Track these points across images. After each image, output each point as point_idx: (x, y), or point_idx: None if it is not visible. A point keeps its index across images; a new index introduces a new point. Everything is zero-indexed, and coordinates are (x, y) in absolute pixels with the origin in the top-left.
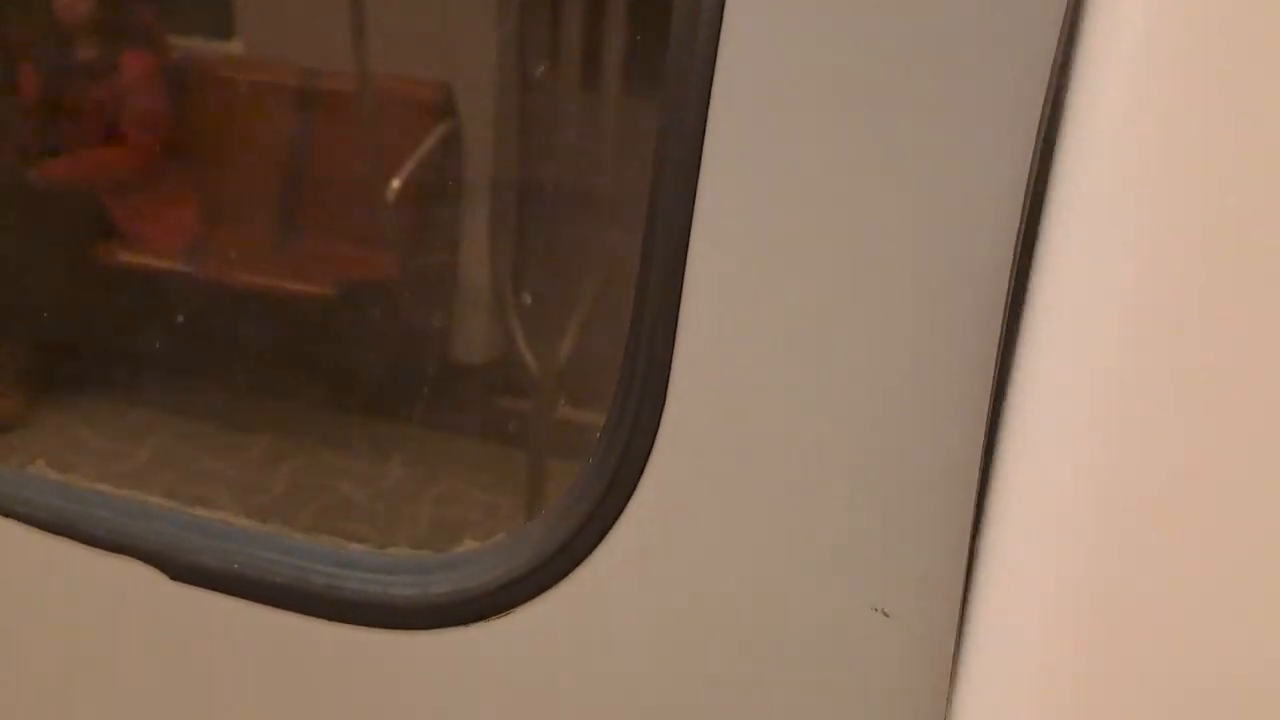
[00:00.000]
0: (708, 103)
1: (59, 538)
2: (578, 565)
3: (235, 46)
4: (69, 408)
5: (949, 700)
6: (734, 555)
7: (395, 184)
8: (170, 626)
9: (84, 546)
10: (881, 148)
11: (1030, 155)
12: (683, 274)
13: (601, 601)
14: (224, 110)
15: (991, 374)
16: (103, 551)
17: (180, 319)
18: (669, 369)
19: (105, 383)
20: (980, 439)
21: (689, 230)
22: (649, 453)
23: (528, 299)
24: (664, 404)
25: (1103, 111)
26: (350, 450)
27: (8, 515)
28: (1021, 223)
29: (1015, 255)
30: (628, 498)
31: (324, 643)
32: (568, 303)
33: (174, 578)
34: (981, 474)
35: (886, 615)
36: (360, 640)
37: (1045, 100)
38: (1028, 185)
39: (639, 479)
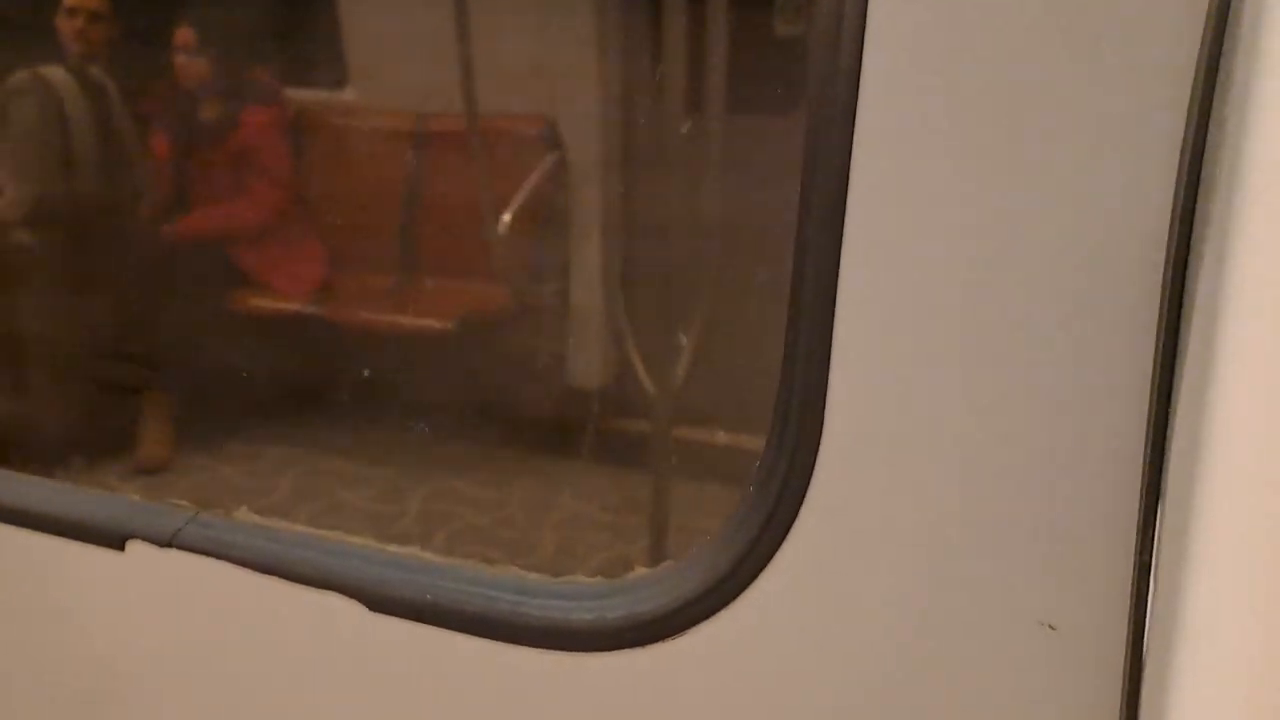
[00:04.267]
0: (853, 121)
1: (267, 575)
2: (745, 589)
3: (348, 95)
4: (211, 449)
5: (1126, 713)
6: (897, 574)
7: (506, 217)
8: (369, 654)
9: (289, 583)
10: (1030, 153)
11: (1179, 155)
12: (834, 299)
13: (769, 623)
14: (341, 157)
15: (1149, 385)
16: (307, 587)
17: (309, 360)
18: (825, 394)
19: (242, 424)
20: (1140, 450)
21: (839, 255)
22: (810, 476)
23: (683, 339)
24: (821, 428)
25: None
26: (474, 478)
27: (220, 558)
28: (1174, 225)
29: (1168, 260)
30: (791, 521)
31: (509, 666)
32: (682, 324)
33: (372, 609)
34: (1148, 483)
35: (1053, 629)
36: (542, 663)
37: (1193, 99)
38: (1178, 186)
39: (801, 503)
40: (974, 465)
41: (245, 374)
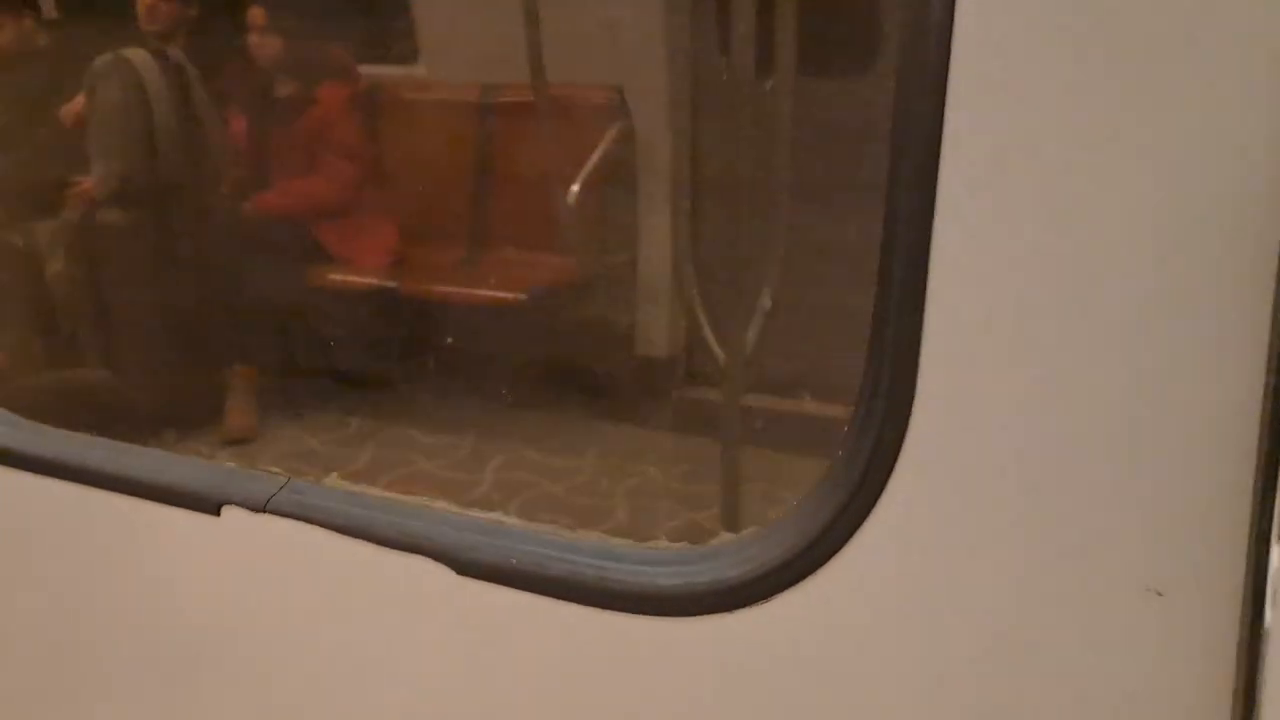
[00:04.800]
0: (946, 73)
1: (357, 540)
2: (834, 555)
3: (420, 69)
4: (294, 421)
5: (1244, 684)
6: (992, 542)
7: (575, 188)
8: (456, 616)
9: (379, 547)
10: (1131, 129)
11: None
12: (927, 257)
13: (856, 590)
14: (413, 131)
15: (1267, 344)
16: (395, 551)
17: (387, 333)
18: (918, 354)
19: (324, 396)
20: (1258, 412)
21: (931, 217)
22: (902, 440)
23: (766, 301)
24: (914, 390)
25: None
26: (548, 446)
27: (313, 523)
28: None
29: None
30: (882, 486)
31: (594, 630)
32: (752, 291)
33: (459, 573)
34: (1267, 448)
35: (1160, 595)
36: (628, 627)
37: None
38: None
39: (893, 467)
40: (1078, 427)
41: (326, 346)
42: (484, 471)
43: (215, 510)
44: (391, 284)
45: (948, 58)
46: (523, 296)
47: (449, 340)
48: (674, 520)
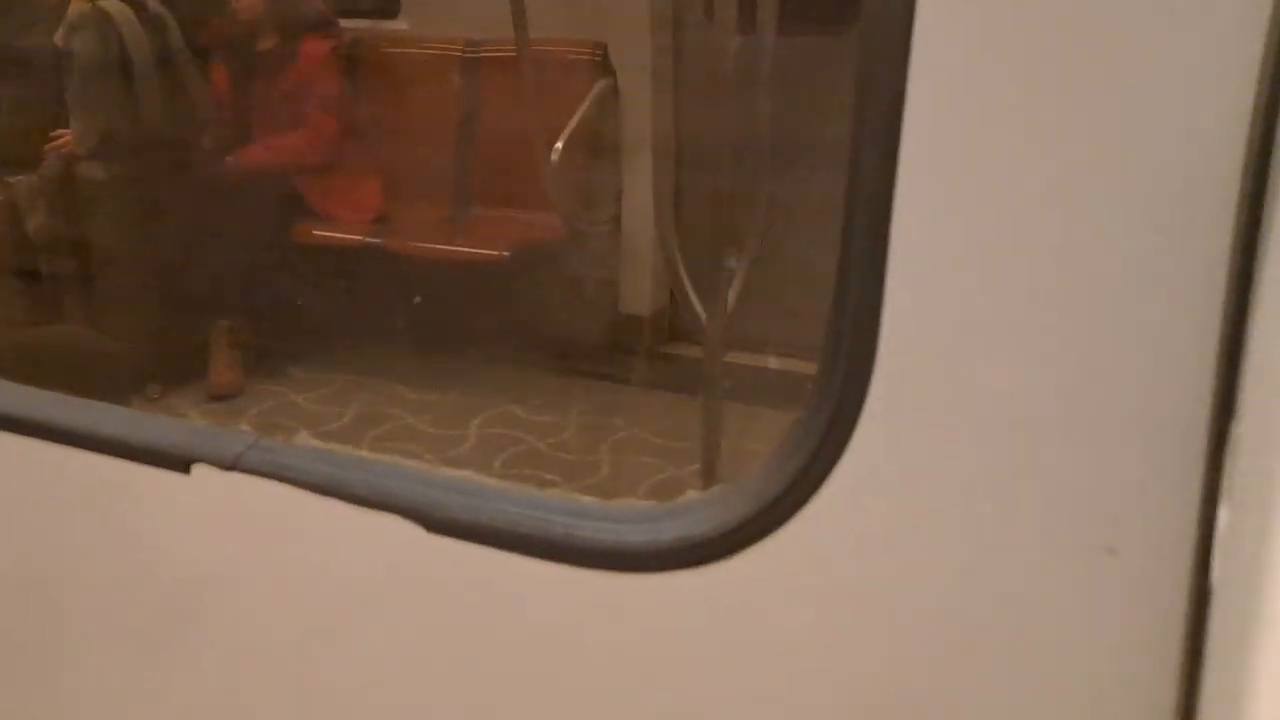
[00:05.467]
0: (910, 30)
1: (327, 498)
2: (798, 510)
3: (401, 23)
4: (279, 377)
5: (1188, 641)
6: (954, 495)
7: (558, 145)
8: (427, 573)
9: (350, 505)
10: (1102, 66)
11: (1246, 123)
12: (889, 212)
13: (820, 545)
14: (395, 87)
15: (1221, 302)
16: (367, 509)
17: (370, 290)
18: (879, 311)
19: (308, 352)
20: (1212, 371)
21: (894, 166)
22: (864, 397)
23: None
24: (876, 347)
25: None
26: (531, 403)
27: (281, 480)
28: (1251, 146)
29: (1244, 188)
30: (843, 446)
31: (563, 585)
32: (734, 249)
33: (430, 530)
34: (1218, 406)
35: (1114, 553)
36: (596, 582)
37: (1265, 60)
38: (1251, 127)
39: (855, 423)
40: (1036, 385)
41: (309, 303)
42: (468, 428)
43: (184, 468)
44: (375, 241)
45: (911, 20)
46: (505, 254)
47: (433, 298)
48: (656, 475)
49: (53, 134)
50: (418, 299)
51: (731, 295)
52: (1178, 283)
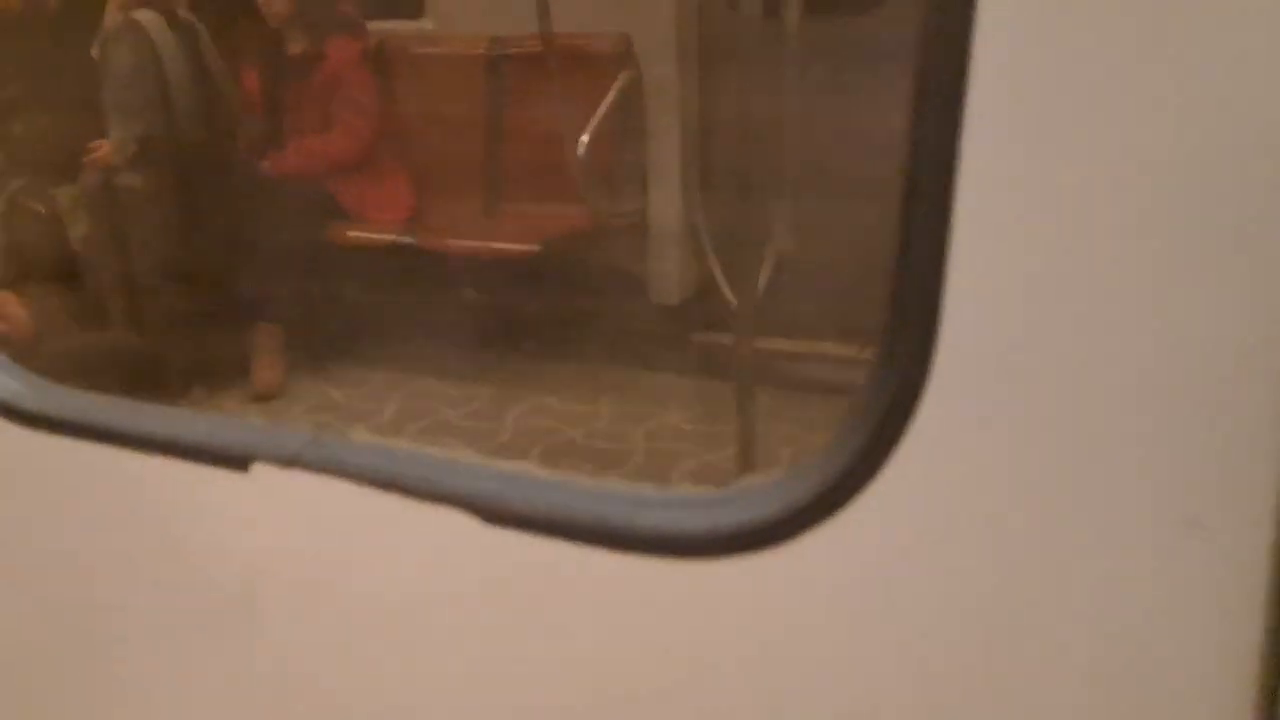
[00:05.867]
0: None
1: (384, 492)
2: (858, 491)
3: (427, 23)
4: (319, 376)
5: (1271, 617)
6: (1021, 475)
7: (585, 138)
8: (486, 566)
9: (406, 499)
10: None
11: None
12: (953, 191)
13: (884, 526)
14: (423, 85)
15: None
16: (424, 502)
17: (405, 287)
18: (941, 288)
19: (346, 350)
20: None
21: (957, 144)
22: (926, 375)
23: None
24: (938, 324)
25: None
26: (567, 394)
27: (341, 476)
28: None
29: None
30: (906, 423)
31: (623, 573)
32: (762, 236)
33: (486, 521)
34: None
35: (1198, 526)
36: (657, 569)
37: None
38: None
39: (916, 403)
40: (1108, 360)
41: (345, 302)
42: (505, 420)
43: (244, 466)
44: (408, 239)
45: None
46: (536, 248)
47: (467, 293)
48: (690, 461)
49: (90, 144)
50: (465, 292)
51: (761, 281)
52: (1256, 251)
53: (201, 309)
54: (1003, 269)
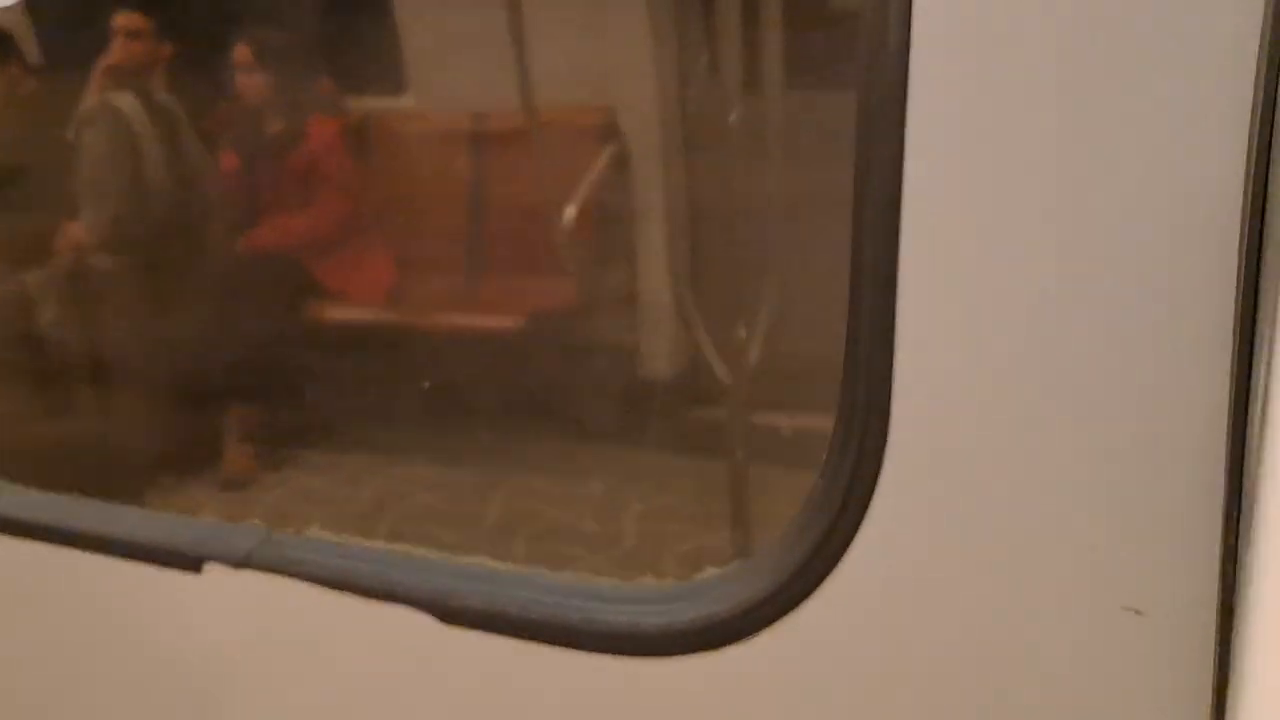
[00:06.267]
0: (905, 99)
1: (339, 591)
2: (816, 588)
3: (408, 100)
4: (292, 461)
5: (1215, 699)
6: (975, 564)
7: (570, 210)
8: (443, 665)
9: (361, 598)
10: (1091, 119)
11: (1246, 146)
12: (895, 280)
13: (843, 620)
14: (404, 162)
15: (1229, 367)
16: (378, 601)
17: (384, 366)
18: (890, 380)
19: (321, 434)
20: (1224, 429)
21: (898, 237)
22: (879, 468)
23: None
24: (889, 416)
25: None
26: (553, 474)
27: (293, 575)
28: (1246, 207)
29: (1241, 258)
30: (861, 516)
31: (580, 673)
32: (751, 308)
33: (443, 620)
34: (1233, 467)
35: (1139, 614)
36: (614, 669)
37: (1260, 76)
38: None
39: (871, 495)
40: (1051, 449)
41: (321, 383)
42: (489, 504)
43: (196, 567)
44: (389, 316)
45: (905, 86)
46: (521, 323)
47: (449, 370)
48: (684, 544)
49: (63, 226)
50: (437, 372)
51: (752, 353)
52: (1187, 349)
53: (171, 394)
54: (948, 368)
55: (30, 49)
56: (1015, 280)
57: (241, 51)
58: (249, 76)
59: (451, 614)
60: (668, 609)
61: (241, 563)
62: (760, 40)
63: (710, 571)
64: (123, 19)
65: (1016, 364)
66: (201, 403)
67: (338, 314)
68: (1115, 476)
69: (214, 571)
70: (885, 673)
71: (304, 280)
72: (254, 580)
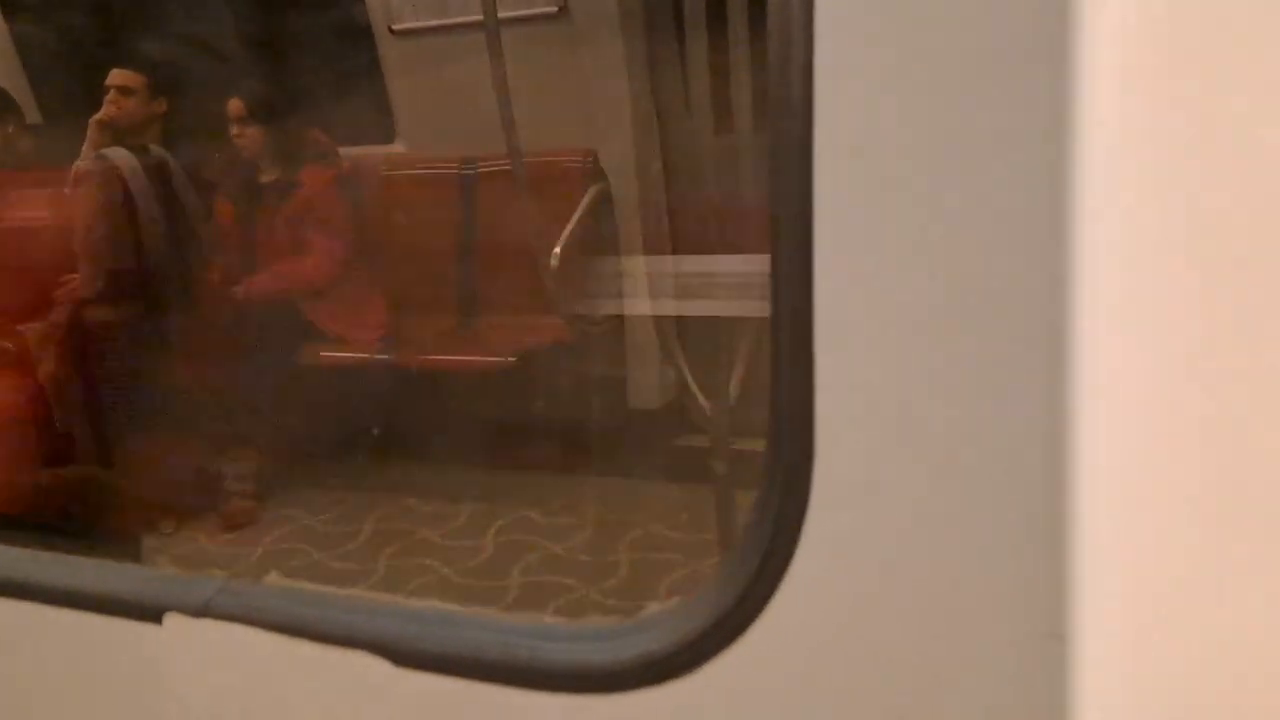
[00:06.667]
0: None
1: (294, 637)
2: (753, 621)
3: (398, 146)
4: (292, 501)
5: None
6: (903, 596)
7: (557, 249)
8: (398, 709)
9: (316, 644)
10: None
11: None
12: (811, 322)
13: (782, 648)
14: (397, 207)
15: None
16: (333, 646)
17: (380, 406)
18: (812, 417)
19: (321, 473)
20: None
21: (810, 284)
22: (806, 501)
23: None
24: (813, 453)
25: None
26: (547, 506)
27: (249, 624)
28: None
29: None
30: (793, 549)
31: (530, 712)
32: (732, 340)
33: (396, 664)
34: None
35: (1060, 639)
36: (562, 706)
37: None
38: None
39: (800, 529)
40: (966, 490)
41: (319, 424)
42: (485, 537)
43: (157, 618)
44: (383, 357)
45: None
46: (512, 360)
47: (444, 408)
48: (677, 572)
49: (60, 279)
50: (432, 411)
51: (734, 383)
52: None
53: (171, 440)
54: (862, 394)
55: (29, 107)
56: (918, 316)
57: (235, 105)
58: (243, 129)
59: (404, 657)
60: (613, 645)
61: (200, 612)
62: (736, 81)
63: (654, 607)
64: (116, 76)
65: (929, 406)
66: (201, 448)
67: (334, 355)
68: (1034, 504)
69: (175, 622)
70: (827, 696)
71: (301, 324)
72: (213, 630)
